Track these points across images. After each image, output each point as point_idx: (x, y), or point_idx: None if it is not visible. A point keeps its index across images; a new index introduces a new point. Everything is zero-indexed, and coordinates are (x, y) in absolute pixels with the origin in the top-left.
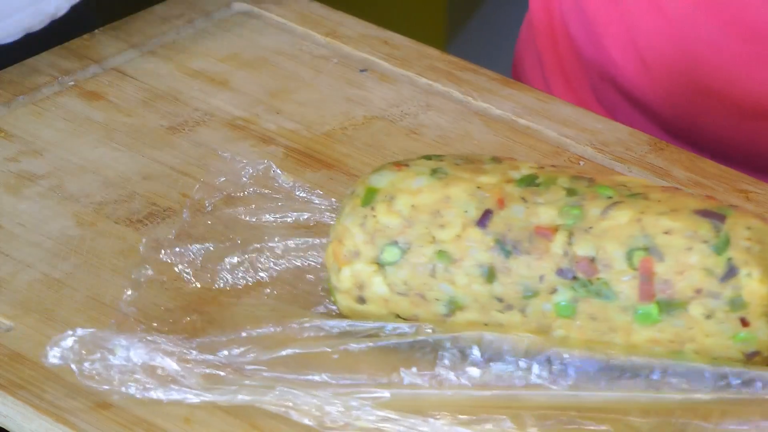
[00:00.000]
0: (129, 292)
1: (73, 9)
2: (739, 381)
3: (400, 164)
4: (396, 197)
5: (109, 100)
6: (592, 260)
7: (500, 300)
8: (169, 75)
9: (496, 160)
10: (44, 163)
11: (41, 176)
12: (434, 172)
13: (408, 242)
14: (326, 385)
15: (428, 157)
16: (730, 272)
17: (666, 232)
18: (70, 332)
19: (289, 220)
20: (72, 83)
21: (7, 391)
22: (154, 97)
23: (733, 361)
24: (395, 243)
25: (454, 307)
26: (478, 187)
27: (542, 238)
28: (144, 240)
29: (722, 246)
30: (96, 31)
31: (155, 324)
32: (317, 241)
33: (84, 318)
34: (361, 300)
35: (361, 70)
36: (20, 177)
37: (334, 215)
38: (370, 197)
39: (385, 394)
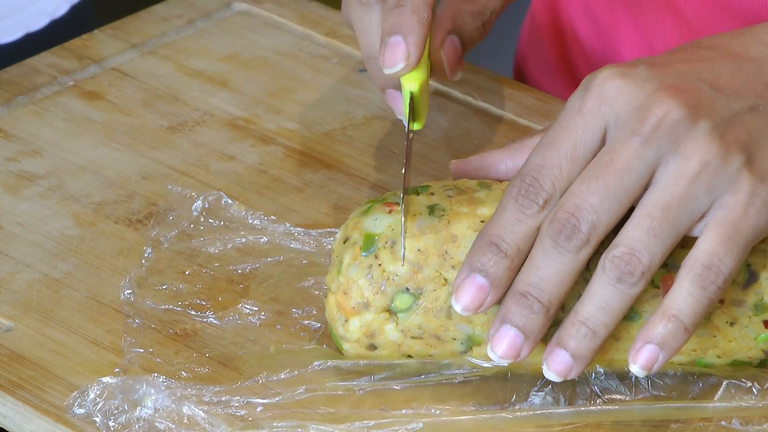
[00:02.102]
0: (130, 339)
1: (73, 9)
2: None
3: (390, 203)
4: (398, 242)
5: (109, 100)
6: None
7: None
8: (168, 75)
9: (484, 185)
10: (44, 163)
11: (41, 176)
12: (432, 210)
13: (419, 287)
14: (355, 418)
15: (415, 192)
16: (751, 278)
17: (683, 247)
18: (96, 383)
19: (249, 244)
20: (71, 83)
21: (6, 391)
22: (154, 97)
23: (753, 359)
24: (406, 290)
25: (471, 343)
26: (482, 221)
27: None
28: (122, 283)
29: None
30: (95, 31)
31: (164, 374)
32: (292, 263)
33: (84, 318)
34: (372, 347)
35: (361, 70)
36: (20, 177)
37: (289, 239)
38: (369, 244)
39: (418, 425)
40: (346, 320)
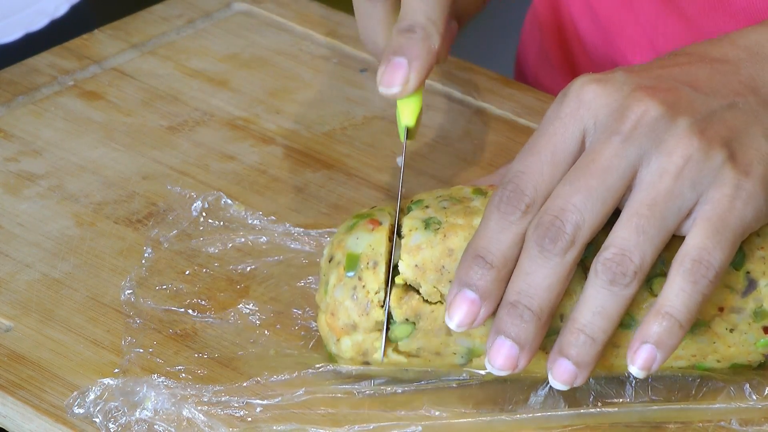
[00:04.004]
0: (130, 339)
1: (73, 9)
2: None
3: (374, 220)
4: (380, 263)
5: (109, 100)
6: None
7: None
8: (169, 75)
9: (479, 192)
10: (44, 163)
11: (41, 176)
12: (427, 225)
13: (417, 313)
14: (355, 421)
15: (408, 208)
16: (751, 286)
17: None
18: (96, 385)
19: (249, 244)
20: (71, 83)
21: (6, 391)
22: (154, 97)
23: (752, 363)
24: (405, 320)
25: (471, 356)
26: None
27: None
28: (123, 283)
29: (739, 260)
30: (95, 30)
31: (164, 374)
32: (291, 263)
33: (84, 318)
34: (367, 363)
35: (361, 70)
36: (20, 177)
37: (289, 239)
38: (352, 264)
39: (417, 428)
40: (338, 339)
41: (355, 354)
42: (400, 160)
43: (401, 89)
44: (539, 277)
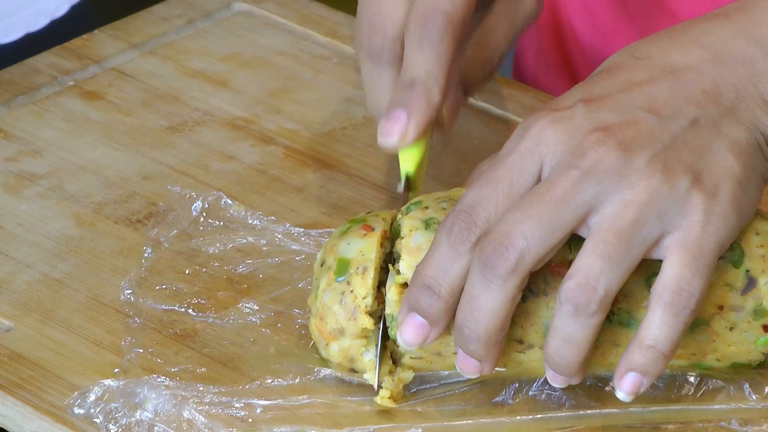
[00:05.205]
0: (130, 339)
1: (73, 9)
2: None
3: (367, 225)
4: (369, 269)
5: (109, 100)
6: None
7: (520, 342)
8: (168, 75)
9: None
10: (44, 163)
11: (41, 176)
12: (427, 225)
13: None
14: (355, 422)
15: (407, 208)
16: (750, 284)
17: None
18: (97, 386)
19: (249, 245)
20: (72, 83)
21: (7, 391)
22: (154, 97)
23: (752, 362)
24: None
25: None
26: None
27: (558, 277)
28: (123, 283)
29: (738, 259)
30: (96, 31)
31: (164, 374)
32: (292, 265)
33: (84, 318)
34: (353, 371)
35: None
36: (20, 177)
37: (289, 239)
38: (343, 269)
39: (417, 429)
40: (327, 344)
41: (342, 360)
42: (400, 187)
43: (399, 140)
44: (482, 301)
